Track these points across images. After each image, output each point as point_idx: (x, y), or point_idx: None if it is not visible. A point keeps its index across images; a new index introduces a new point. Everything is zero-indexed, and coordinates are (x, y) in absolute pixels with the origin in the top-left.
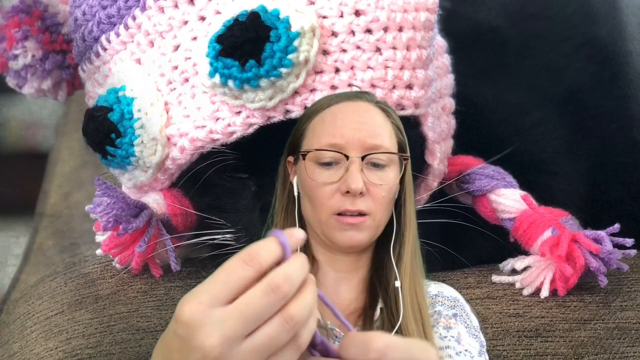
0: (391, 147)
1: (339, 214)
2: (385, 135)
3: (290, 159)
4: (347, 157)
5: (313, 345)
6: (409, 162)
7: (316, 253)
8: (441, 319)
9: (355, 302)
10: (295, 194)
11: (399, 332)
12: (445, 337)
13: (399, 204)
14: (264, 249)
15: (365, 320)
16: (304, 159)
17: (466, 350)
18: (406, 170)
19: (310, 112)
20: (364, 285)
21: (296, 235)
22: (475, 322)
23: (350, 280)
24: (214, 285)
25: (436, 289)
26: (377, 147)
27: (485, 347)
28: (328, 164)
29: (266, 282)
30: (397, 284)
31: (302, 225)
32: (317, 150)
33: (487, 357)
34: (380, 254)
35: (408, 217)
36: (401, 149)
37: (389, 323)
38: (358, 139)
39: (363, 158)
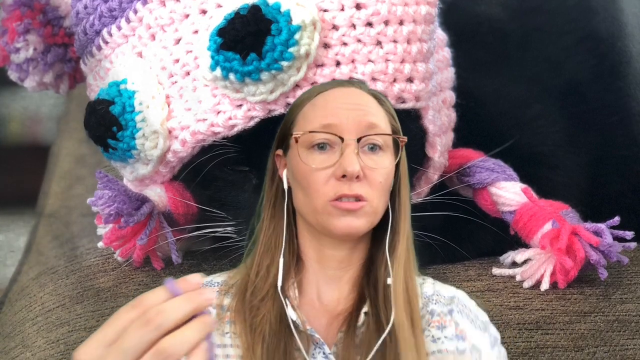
0: (386, 130)
1: (336, 200)
2: (379, 117)
3: (279, 152)
4: (342, 139)
5: None
6: (403, 152)
7: (305, 250)
8: (434, 318)
9: (344, 301)
10: (285, 187)
11: (390, 331)
12: (438, 338)
13: (393, 195)
14: (151, 293)
15: (350, 325)
16: (296, 142)
17: (473, 347)
18: (401, 158)
19: (300, 101)
20: (353, 284)
21: (190, 280)
22: (483, 316)
23: (340, 278)
24: (104, 329)
25: (432, 288)
26: (373, 125)
27: (499, 340)
28: (322, 148)
29: (140, 317)
30: (389, 281)
31: (292, 220)
32: (310, 132)
33: (503, 350)
34: (373, 250)
35: (403, 207)
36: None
37: (375, 326)
38: (353, 118)
39: (359, 140)
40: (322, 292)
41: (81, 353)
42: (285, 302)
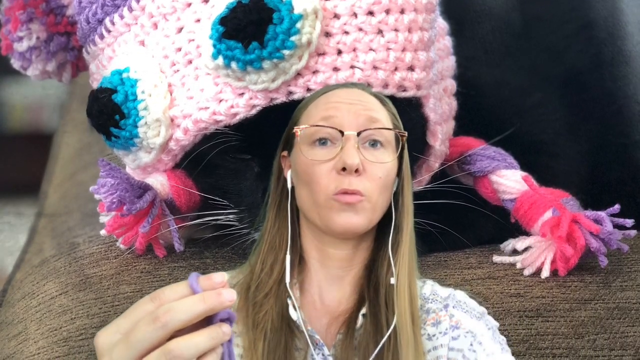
0: (387, 126)
1: (337, 194)
2: (381, 114)
3: (285, 153)
4: (342, 133)
5: None
6: (406, 150)
7: (308, 250)
8: (429, 316)
9: (345, 302)
10: (289, 186)
11: (391, 332)
12: (434, 335)
13: (397, 194)
14: (170, 288)
15: (349, 327)
16: (297, 137)
17: (468, 331)
18: (403, 157)
19: (304, 104)
20: (355, 285)
21: (214, 278)
22: (479, 308)
23: (342, 278)
24: (121, 318)
25: (430, 289)
26: (374, 119)
27: (495, 329)
28: (323, 143)
29: (152, 312)
30: (393, 280)
31: (295, 220)
32: (311, 126)
33: (502, 337)
34: (376, 251)
35: (406, 206)
36: (397, 137)
37: (374, 327)
38: (354, 112)
39: (359, 134)
40: (324, 292)
41: (99, 336)
42: (291, 300)
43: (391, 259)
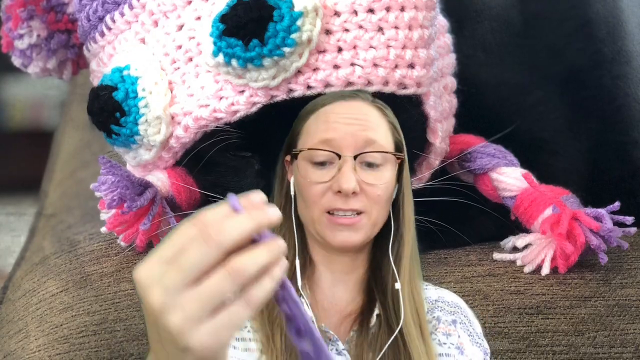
0: (386, 145)
1: (330, 213)
2: (380, 132)
3: (288, 158)
4: (339, 156)
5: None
6: (406, 162)
7: (313, 253)
8: (440, 324)
9: (352, 303)
10: (292, 193)
11: (400, 335)
12: (444, 343)
13: (397, 204)
14: (212, 210)
15: (362, 325)
16: (296, 158)
17: None
18: (403, 169)
19: (306, 113)
20: (360, 286)
21: (252, 198)
22: (478, 328)
23: (347, 281)
24: (162, 247)
25: (437, 294)
26: (372, 141)
27: (489, 354)
28: (322, 164)
29: (201, 234)
30: (398, 285)
31: (299, 226)
32: (309, 149)
33: None
34: (377, 254)
35: (407, 218)
36: (398, 148)
37: (387, 327)
38: (352, 133)
39: (356, 157)
40: (332, 293)
41: (140, 271)
42: (304, 299)
43: (395, 270)
